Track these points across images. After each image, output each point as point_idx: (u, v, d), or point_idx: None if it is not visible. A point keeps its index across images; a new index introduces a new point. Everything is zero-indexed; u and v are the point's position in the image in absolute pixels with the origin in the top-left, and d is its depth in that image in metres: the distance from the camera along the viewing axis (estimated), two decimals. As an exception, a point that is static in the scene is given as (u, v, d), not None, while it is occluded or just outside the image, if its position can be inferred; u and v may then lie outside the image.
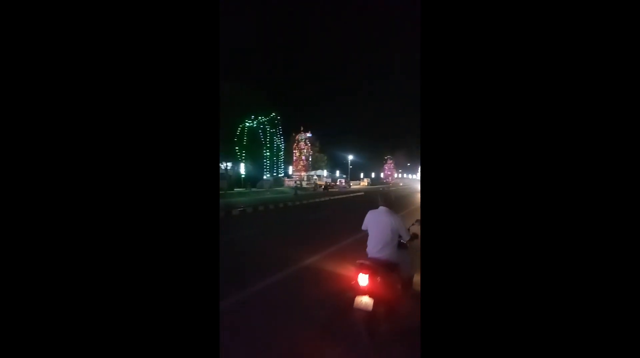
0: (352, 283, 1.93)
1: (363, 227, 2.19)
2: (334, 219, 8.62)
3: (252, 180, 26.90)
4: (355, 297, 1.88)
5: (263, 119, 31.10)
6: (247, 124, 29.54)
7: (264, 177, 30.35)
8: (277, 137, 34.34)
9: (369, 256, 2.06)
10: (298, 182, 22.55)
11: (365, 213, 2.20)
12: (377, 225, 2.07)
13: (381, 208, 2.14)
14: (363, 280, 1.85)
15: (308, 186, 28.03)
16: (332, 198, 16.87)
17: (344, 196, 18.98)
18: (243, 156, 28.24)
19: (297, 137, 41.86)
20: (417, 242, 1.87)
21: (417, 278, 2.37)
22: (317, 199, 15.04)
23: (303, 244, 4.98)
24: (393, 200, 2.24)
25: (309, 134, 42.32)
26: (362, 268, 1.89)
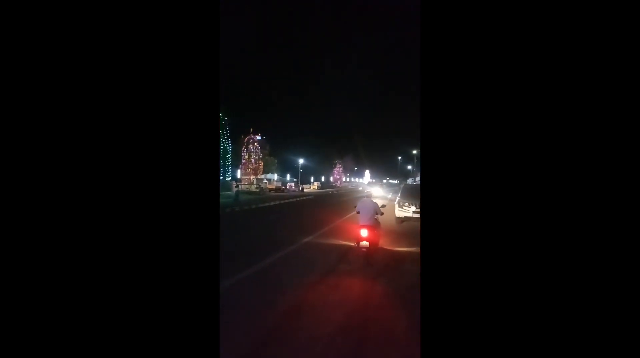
0: (357, 234, 3.94)
1: (357, 209, 4.17)
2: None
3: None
4: (359, 242, 3.94)
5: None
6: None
7: (210, 181, 28.44)
8: (224, 139, 32.69)
9: (361, 223, 3.97)
10: (237, 186, 21.61)
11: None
12: (365, 206, 4.10)
13: (367, 199, 4.30)
14: (364, 233, 3.89)
15: (255, 190, 27.16)
16: (279, 202, 16.62)
17: (293, 199, 18.89)
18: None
19: (246, 140, 40.46)
20: (381, 217, 4.33)
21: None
22: (260, 205, 14.48)
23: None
24: (372, 198, 4.43)
25: (258, 137, 41.28)
26: (363, 227, 3.92)
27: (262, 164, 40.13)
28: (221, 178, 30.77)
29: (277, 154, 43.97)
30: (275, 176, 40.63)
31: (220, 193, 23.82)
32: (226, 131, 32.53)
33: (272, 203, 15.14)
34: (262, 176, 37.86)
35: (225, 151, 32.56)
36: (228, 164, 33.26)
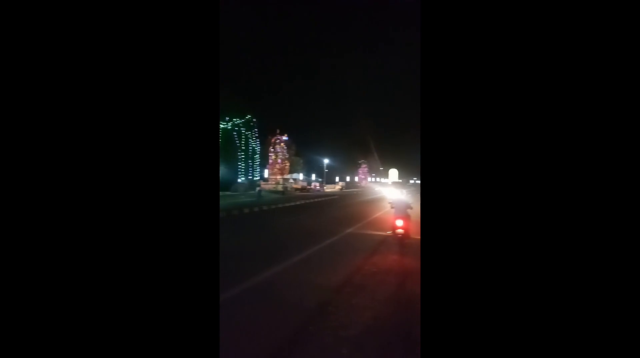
0: (393, 223, 5.06)
1: (392, 205, 5.40)
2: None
3: (227, 183, 26.43)
4: (395, 230, 5.04)
5: (238, 121, 30.70)
6: (222, 126, 29.03)
7: (239, 180, 29.91)
8: (253, 140, 33.93)
9: (397, 215, 5.08)
10: (259, 186, 22.49)
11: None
12: (399, 202, 5.31)
13: (402, 196, 5.97)
14: (399, 222, 4.98)
15: (280, 190, 27.98)
16: (304, 202, 17.09)
17: (317, 199, 19.30)
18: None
19: (273, 140, 41.67)
20: (411, 211, 5.23)
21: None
22: (285, 204, 15.12)
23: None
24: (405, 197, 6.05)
25: (285, 137, 42.30)
26: (399, 217, 5.01)
27: (288, 164, 41.04)
28: (250, 177, 32.08)
29: (303, 154, 44.74)
30: (301, 176, 41.39)
31: (249, 192, 24.95)
32: (254, 131, 33.77)
33: (298, 203, 15.66)
34: (288, 176, 38.78)
35: (254, 152, 33.81)
36: (256, 165, 34.51)
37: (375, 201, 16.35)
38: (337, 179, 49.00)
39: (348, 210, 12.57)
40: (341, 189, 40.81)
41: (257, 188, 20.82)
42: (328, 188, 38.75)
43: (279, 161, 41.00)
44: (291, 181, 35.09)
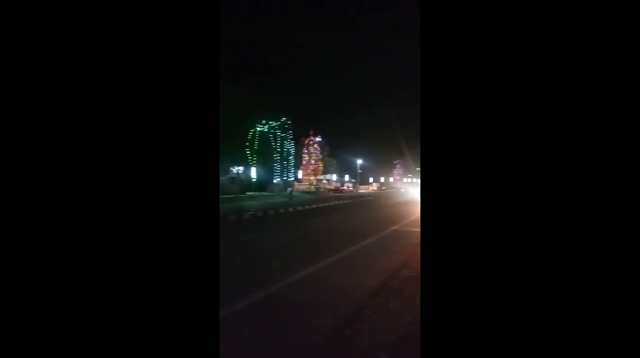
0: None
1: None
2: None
3: (263, 184, 27.43)
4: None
5: (274, 124, 31.71)
6: (259, 128, 30.21)
7: (274, 181, 30.85)
8: (288, 141, 34.81)
9: None
10: (291, 187, 22.93)
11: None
12: None
13: None
14: None
15: (312, 190, 28.27)
16: (337, 202, 17.07)
17: (348, 201, 19.15)
18: (254, 160, 28.87)
19: (306, 141, 42.30)
20: None
21: None
22: (320, 205, 15.24)
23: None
24: None
25: (318, 139, 42.70)
26: None
27: (321, 165, 41.34)
28: (285, 178, 32.93)
29: (337, 155, 44.75)
30: (334, 177, 41.44)
31: (283, 192, 25.66)
32: (289, 133, 34.61)
33: (330, 203, 15.73)
34: (322, 177, 39.04)
35: (289, 153, 34.66)
36: (291, 166, 35.35)
37: (410, 204, 15.76)
38: (370, 179, 48.20)
39: (381, 212, 12.29)
40: (376, 190, 40.03)
41: (289, 189, 21.37)
42: (362, 189, 38.25)
43: (313, 162, 41.48)
44: (324, 182, 35.28)
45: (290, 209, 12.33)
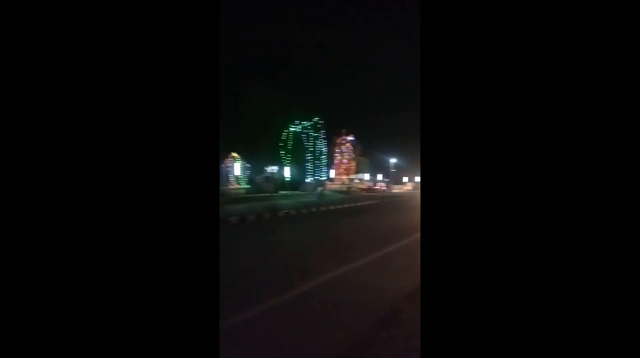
0: None
1: None
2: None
3: (296, 183, 27.97)
4: None
5: (307, 124, 32.17)
6: (292, 129, 30.86)
7: (307, 180, 31.29)
8: (320, 141, 35.12)
9: None
10: (320, 188, 22.94)
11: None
12: None
13: None
14: None
15: (344, 190, 28.09)
16: (365, 203, 16.78)
17: (381, 201, 18.72)
18: (288, 160, 29.57)
19: (339, 141, 42.23)
20: None
21: None
22: (352, 205, 15.09)
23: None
24: None
25: (350, 138, 42.39)
26: None
27: (354, 164, 41.03)
28: (317, 177, 33.25)
29: (370, 154, 44.08)
30: (367, 176, 40.86)
31: (312, 191, 25.89)
32: (321, 133, 34.87)
33: (362, 203, 15.52)
34: (354, 176, 38.75)
35: (321, 153, 34.93)
36: (323, 165, 35.57)
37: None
38: (405, 179, 46.71)
39: (414, 213, 11.85)
40: (411, 189, 38.68)
41: (319, 188, 21.53)
42: (395, 189, 37.21)
43: (345, 161, 41.32)
44: (356, 181, 34.94)
45: (323, 209, 12.41)
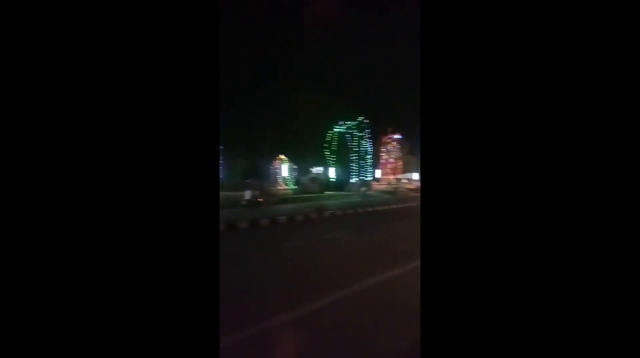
0: None
1: None
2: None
3: (341, 184, 28.10)
4: None
5: (351, 124, 32.07)
6: (336, 129, 31.07)
7: (352, 181, 31.20)
8: (365, 140, 34.69)
9: None
10: (364, 189, 22.34)
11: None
12: None
13: None
14: None
15: (389, 190, 27.14)
16: (412, 204, 15.96)
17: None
18: (332, 160, 29.86)
19: (385, 139, 41.13)
20: None
21: None
22: (390, 206, 14.54)
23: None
24: None
25: (397, 136, 40.95)
26: None
27: (400, 163, 39.56)
28: (362, 177, 32.93)
29: (418, 152, 42.01)
30: (415, 176, 39.03)
31: (355, 192, 25.61)
32: (366, 132, 34.41)
33: (412, 204, 14.91)
34: (401, 176, 37.34)
35: (366, 152, 34.48)
36: (369, 165, 35.08)
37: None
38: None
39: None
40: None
41: (362, 189, 21.21)
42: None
43: (391, 160, 40.05)
44: (404, 181, 33.62)
45: (369, 210, 12.29)
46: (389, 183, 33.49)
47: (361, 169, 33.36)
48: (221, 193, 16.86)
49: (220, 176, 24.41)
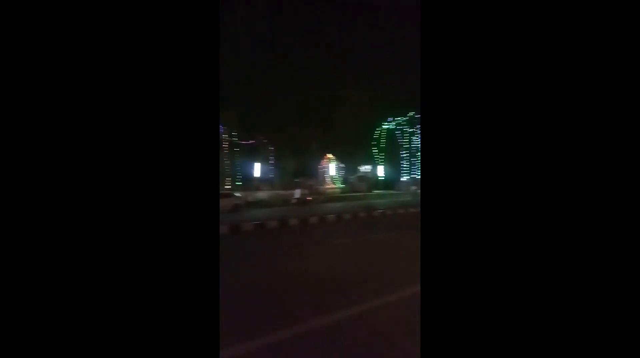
0: None
1: None
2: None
3: (390, 182, 27.27)
4: None
5: (401, 120, 30.81)
6: (385, 126, 30.19)
7: (402, 179, 30.03)
8: (416, 136, 33.02)
9: None
10: (415, 187, 21.01)
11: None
12: None
13: None
14: None
15: None
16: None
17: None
18: (381, 158, 29.14)
19: (438, 135, 38.44)
20: None
21: None
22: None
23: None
24: None
25: (452, 131, 37.90)
26: None
27: (456, 159, 36.52)
28: (413, 175, 31.46)
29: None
30: (474, 173, 35.63)
31: (403, 191, 24.50)
32: (417, 128, 32.72)
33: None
34: (457, 173, 34.48)
35: (417, 149, 32.81)
36: (419, 162, 33.33)
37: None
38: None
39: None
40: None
41: (412, 187, 20.22)
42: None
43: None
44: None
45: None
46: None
47: (412, 167, 31.85)
48: (272, 192, 17.93)
49: (271, 175, 25.77)
